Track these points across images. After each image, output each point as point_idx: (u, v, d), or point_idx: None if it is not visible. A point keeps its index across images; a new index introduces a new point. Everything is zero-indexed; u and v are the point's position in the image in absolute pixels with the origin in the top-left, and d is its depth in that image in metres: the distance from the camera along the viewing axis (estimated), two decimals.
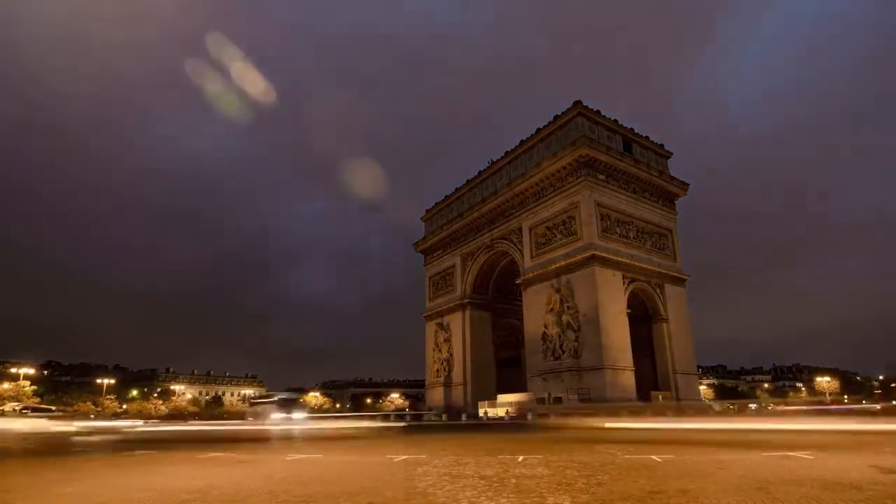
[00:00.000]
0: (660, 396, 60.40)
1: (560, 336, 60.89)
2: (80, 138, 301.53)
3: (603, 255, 59.89)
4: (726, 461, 12.60)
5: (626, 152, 68.10)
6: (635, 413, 41.74)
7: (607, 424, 31.91)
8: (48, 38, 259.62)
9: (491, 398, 68.02)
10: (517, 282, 71.15)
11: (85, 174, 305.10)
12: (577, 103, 66.19)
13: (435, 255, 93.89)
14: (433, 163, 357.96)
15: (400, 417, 68.71)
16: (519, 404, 61.19)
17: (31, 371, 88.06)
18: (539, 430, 33.82)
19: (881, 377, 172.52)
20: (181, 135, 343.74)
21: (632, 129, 70.48)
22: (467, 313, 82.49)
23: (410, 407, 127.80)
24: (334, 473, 12.13)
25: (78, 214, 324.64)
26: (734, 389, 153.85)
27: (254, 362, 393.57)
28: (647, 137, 72.19)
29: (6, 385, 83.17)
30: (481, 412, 64.62)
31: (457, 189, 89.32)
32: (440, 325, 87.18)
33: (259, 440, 28.53)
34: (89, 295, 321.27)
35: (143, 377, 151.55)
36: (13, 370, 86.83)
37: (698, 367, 76.93)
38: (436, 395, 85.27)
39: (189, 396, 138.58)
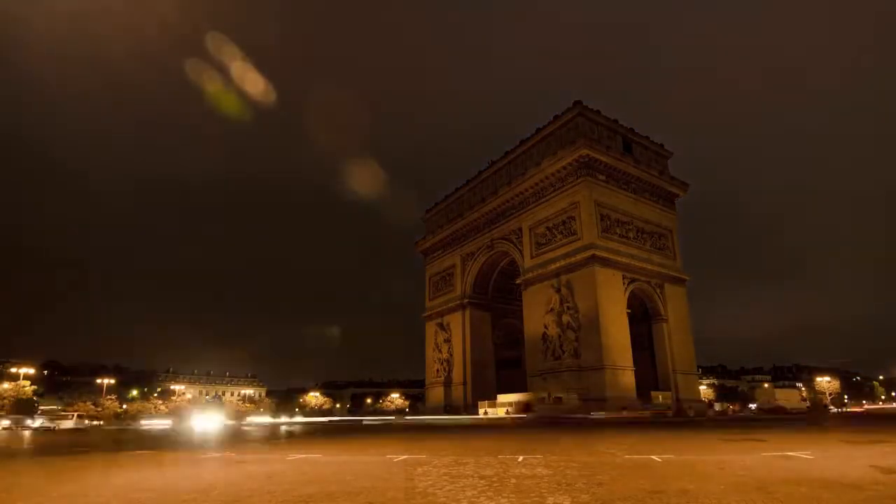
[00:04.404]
0: (660, 396, 60.43)
1: (560, 336, 60.89)
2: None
3: (603, 255, 59.89)
4: (726, 461, 12.59)
5: (626, 152, 68.10)
6: None
7: None
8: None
9: (491, 398, 68.04)
10: (517, 282, 71.17)
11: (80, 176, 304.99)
12: (577, 103, 66.17)
13: (435, 255, 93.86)
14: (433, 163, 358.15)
15: None
16: (519, 404, 61.19)
17: (31, 371, 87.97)
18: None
19: (881, 377, 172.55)
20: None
21: (632, 129, 70.47)
22: (467, 313, 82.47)
23: (410, 407, 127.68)
24: (334, 473, 12.12)
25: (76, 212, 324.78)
26: (734, 389, 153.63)
27: (255, 362, 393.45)
28: (647, 137, 72.18)
29: (6, 385, 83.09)
30: (481, 412, 64.60)
31: (457, 189, 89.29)
32: (440, 326, 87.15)
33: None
34: (89, 292, 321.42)
35: (143, 377, 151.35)
36: (13, 370, 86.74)
37: (698, 367, 76.98)
38: (436, 395, 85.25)
39: (189, 396, 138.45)
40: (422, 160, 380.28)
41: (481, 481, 9.83)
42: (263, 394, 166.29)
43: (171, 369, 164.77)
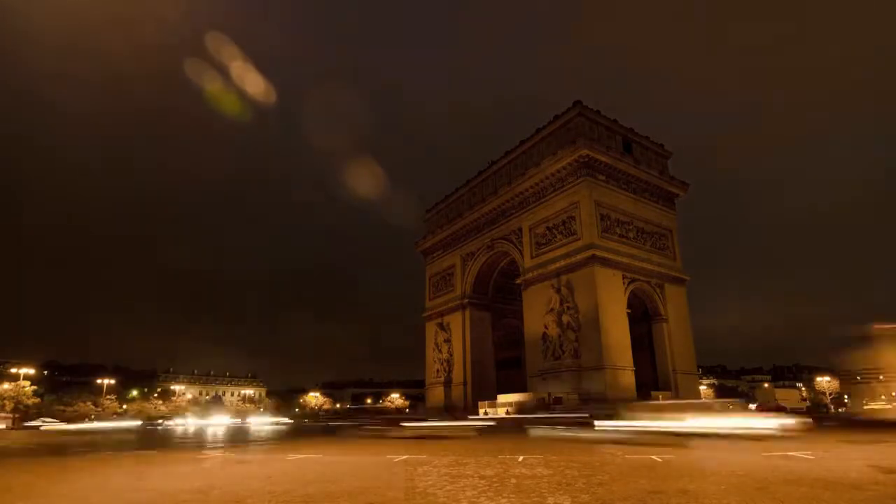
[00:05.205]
0: (660, 396, 60.37)
1: (560, 336, 60.86)
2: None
3: (603, 254, 59.86)
4: (726, 461, 12.59)
5: (626, 152, 68.09)
6: None
7: None
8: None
9: (491, 398, 67.97)
10: (517, 282, 71.11)
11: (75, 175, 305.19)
12: (577, 103, 66.15)
13: (435, 254, 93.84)
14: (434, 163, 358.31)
15: None
16: (519, 404, 61.15)
17: (31, 371, 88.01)
18: None
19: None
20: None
21: (632, 129, 70.45)
22: (467, 313, 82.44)
23: (410, 407, 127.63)
24: (334, 473, 12.12)
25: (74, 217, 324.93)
26: (734, 390, 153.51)
27: (254, 362, 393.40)
28: (647, 137, 72.16)
29: (6, 385, 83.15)
30: (481, 412, 64.58)
31: (457, 189, 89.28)
32: (440, 326, 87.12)
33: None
34: (89, 294, 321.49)
35: (143, 377, 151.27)
36: (13, 370, 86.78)
37: (698, 367, 76.98)
38: (436, 396, 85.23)
39: (189, 396, 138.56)
40: (422, 160, 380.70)
41: (482, 481, 9.83)
42: (263, 394, 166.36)
43: (171, 369, 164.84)
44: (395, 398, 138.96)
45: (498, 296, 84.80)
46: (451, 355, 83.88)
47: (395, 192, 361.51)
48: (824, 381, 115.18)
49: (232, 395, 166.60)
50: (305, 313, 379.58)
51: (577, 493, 8.33)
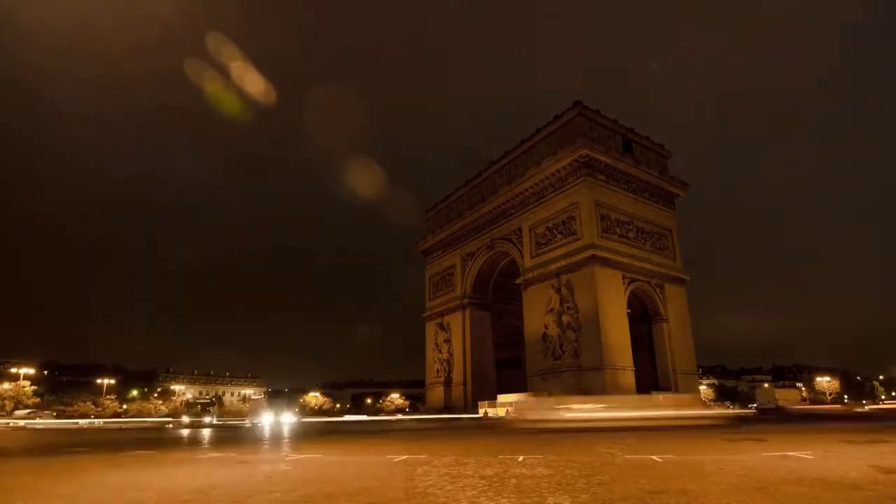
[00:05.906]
0: (660, 397, 60.29)
1: (560, 336, 60.85)
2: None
3: (603, 254, 59.86)
4: (726, 461, 12.60)
5: (626, 152, 68.09)
6: None
7: None
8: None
9: (491, 398, 67.97)
10: (517, 282, 71.13)
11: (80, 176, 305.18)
12: (577, 103, 66.16)
13: (435, 254, 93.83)
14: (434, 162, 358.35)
15: None
16: (519, 404, 61.10)
17: (31, 371, 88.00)
18: None
19: (881, 377, 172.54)
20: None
21: (632, 129, 70.45)
22: (467, 313, 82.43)
23: (410, 407, 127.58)
24: (334, 474, 12.12)
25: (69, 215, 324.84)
26: (734, 390, 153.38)
27: (254, 362, 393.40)
28: (647, 137, 72.17)
29: (6, 385, 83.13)
30: (481, 412, 64.61)
31: (457, 189, 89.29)
32: (440, 326, 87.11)
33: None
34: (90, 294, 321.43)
35: (143, 377, 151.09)
36: (13, 370, 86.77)
37: (698, 367, 76.95)
38: (436, 395, 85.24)
39: (189, 396, 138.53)
40: (422, 160, 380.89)
41: (481, 481, 9.83)
42: (263, 394, 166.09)
43: (171, 369, 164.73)
44: (395, 398, 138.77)
45: (498, 296, 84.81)
46: (451, 355, 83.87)
47: (396, 192, 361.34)
48: (824, 381, 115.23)
49: (232, 394, 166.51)
50: (304, 313, 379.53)
51: (577, 493, 8.33)
